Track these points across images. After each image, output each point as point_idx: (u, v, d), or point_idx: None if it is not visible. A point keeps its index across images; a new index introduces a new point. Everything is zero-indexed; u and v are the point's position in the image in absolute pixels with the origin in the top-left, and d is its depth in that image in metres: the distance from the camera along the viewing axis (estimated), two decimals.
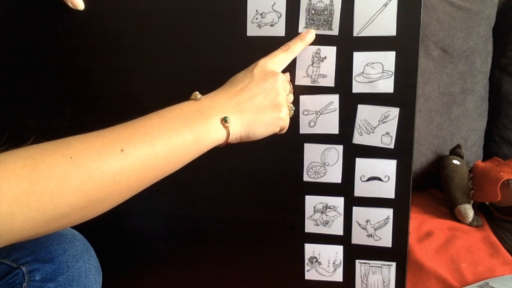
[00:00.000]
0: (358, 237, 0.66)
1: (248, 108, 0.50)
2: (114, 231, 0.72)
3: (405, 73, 0.59)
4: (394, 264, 0.66)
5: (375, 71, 0.59)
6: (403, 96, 0.60)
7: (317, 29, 0.59)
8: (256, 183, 0.67)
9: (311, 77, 0.61)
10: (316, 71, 0.60)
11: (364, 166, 0.63)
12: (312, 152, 0.64)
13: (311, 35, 0.58)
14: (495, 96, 1.12)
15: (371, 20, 0.58)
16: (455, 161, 1.00)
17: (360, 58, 0.59)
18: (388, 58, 0.59)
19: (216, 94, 0.50)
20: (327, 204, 0.65)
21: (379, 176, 0.63)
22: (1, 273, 0.51)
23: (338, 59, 0.60)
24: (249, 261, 0.70)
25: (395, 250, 0.65)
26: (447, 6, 1.02)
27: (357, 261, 0.67)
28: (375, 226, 0.65)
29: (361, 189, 0.64)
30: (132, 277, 0.74)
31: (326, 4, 0.58)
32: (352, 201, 0.65)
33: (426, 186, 1.12)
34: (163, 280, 0.74)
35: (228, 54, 0.62)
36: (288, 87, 0.57)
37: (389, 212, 0.64)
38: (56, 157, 0.36)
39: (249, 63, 0.54)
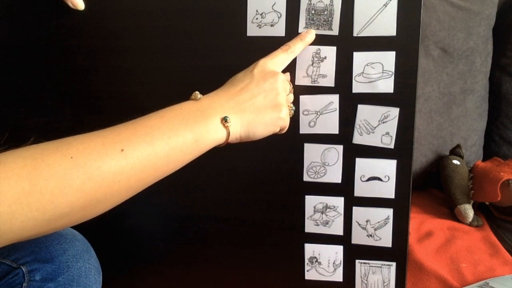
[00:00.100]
0: (358, 237, 0.66)
1: (248, 108, 0.50)
2: (114, 231, 0.72)
3: (405, 73, 0.59)
4: (394, 264, 0.66)
5: (375, 71, 0.59)
6: (403, 96, 0.60)
7: (317, 29, 0.59)
8: (256, 183, 0.67)
9: (311, 77, 0.61)
10: (316, 71, 0.60)
11: (364, 166, 0.63)
12: (312, 152, 0.64)
13: (311, 35, 0.58)
14: (495, 96, 1.12)
15: (371, 20, 0.58)
16: (455, 161, 1.00)
17: (360, 58, 0.59)
18: (388, 58, 0.59)
19: (216, 94, 0.50)
20: (327, 204, 0.65)
21: (379, 176, 0.63)
22: (1, 273, 0.51)
23: (338, 59, 0.60)
24: (249, 261, 0.70)
25: (395, 250, 0.65)
26: (447, 6, 1.02)
27: (357, 261, 0.67)
28: (375, 226, 0.65)
29: (361, 189, 0.64)
30: (132, 277, 0.74)
31: (326, 4, 0.58)
32: (352, 201, 0.65)
33: (426, 186, 1.11)
34: (163, 280, 0.74)
35: (228, 54, 0.62)
36: (288, 87, 0.57)
37: (389, 212, 0.64)
38: (56, 157, 0.36)
39: (249, 63, 0.54)
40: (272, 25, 0.60)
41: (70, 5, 0.61)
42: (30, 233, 0.35)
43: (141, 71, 0.64)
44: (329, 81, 0.60)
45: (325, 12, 0.58)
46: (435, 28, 1.03)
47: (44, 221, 0.35)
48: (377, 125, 0.61)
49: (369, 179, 0.63)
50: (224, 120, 0.47)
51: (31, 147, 0.37)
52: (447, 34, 1.03)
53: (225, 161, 0.66)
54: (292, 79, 0.61)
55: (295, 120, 0.62)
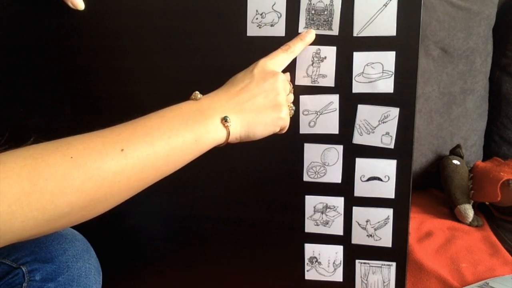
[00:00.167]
0: (358, 237, 0.66)
1: (248, 108, 0.50)
2: (114, 231, 0.72)
3: (405, 73, 0.59)
4: (394, 264, 0.66)
5: (375, 71, 0.59)
6: (403, 96, 0.60)
7: (317, 29, 0.59)
8: (256, 183, 0.67)
9: (311, 77, 0.61)
10: (316, 71, 0.60)
11: (364, 166, 0.63)
12: (312, 152, 0.64)
13: (311, 35, 0.58)
14: (495, 96, 1.12)
15: (371, 20, 0.58)
16: (455, 161, 1.00)
17: (360, 58, 0.59)
18: (388, 58, 0.59)
19: (216, 94, 0.50)
20: (327, 204, 0.65)
21: (379, 176, 0.63)
22: (1, 273, 0.51)
23: (338, 59, 0.60)
24: (249, 261, 0.70)
25: (395, 250, 0.65)
26: (447, 6, 1.02)
27: (357, 261, 0.67)
28: (375, 226, 0.65)
29: (361, 189, 0.64)
30: (132, 277, 0.74)
31: (326, 4, 0.58)
32: (352, 201, 0.65)
33: (426, 186, 1.11)
34: (163, 280, 0.74)
35: (228, 54, 0.62)
36: (288, 87, 0.57)
37: (389, 212, 0.64)
38: (56, 157, 0.36)
39: (249, 63, 0.54)
40: (272, 25, 0.60)
41: (70, 5, 0.61)
42: (30, 233, 0.35)
43: (141, 71, 0.64)
44: (329, 81, 0.60)
45: (325, 12, 0.58)
46: (435, 28, 1.03)
47: (44, 221, 0.35)
48: (377, 125, 0.61)
49: (369, 179, 0.63)
50: (224, 120, 0.47)
51: (31, 147, 0.37)
52: (447, 34, 1.03)
53: (225, 161, 0.66)
54: (292, 79, 0.61)
55: (295, 120, 0.62)
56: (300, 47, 0.58)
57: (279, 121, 0.52)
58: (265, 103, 0.51)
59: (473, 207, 0.94)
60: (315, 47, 0.59)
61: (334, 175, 0.64)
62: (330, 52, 0.60)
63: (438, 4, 1.02)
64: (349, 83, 0.60)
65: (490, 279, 0.74)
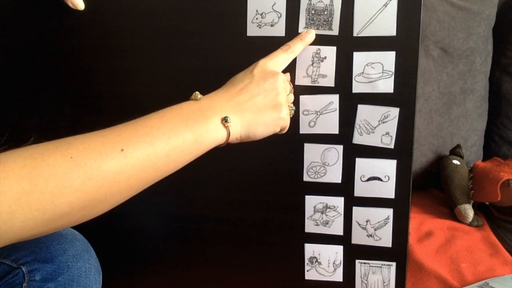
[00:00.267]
0: (358, 237, 0.66)
1: (249, 108, 0.50)
2: (114, 231, 0.72)
3: (405, 73, 0.59)
4: (394, 264, 0.66)
5: (375, 71, 0.59)
6: (403, 96, 0.60)
7: (317, 29, 0.59)
8: (256, 183, 0.67)
9: (311, 77, 0.61)
10: (316, 71, 0.60)
11: (364, 166, 0.63)
12: (312, 152, 0.64)
13: (311, 35, 0.58)
14: (495, 96, 1.12)
15: (371, 20, 0.58)
16: (455, 161, 1.00)
17: (360, 58, 0.59)
18: (388, 58, 0.59)
19: (216, 94, 0.50)
20: (327, 204, 0.65)
21: (379, 176, 0.63)
22: (1, 273, 0.51)
23: (338, 59, 0.60)
24: (249, 261, 0.70)
25: (395, 250, 0.65)
26: (447, 6, 1.02)
27: (357, 261, 0.67)
28: (375, 226, 0.65)
29: (361, 189, 0.64)
30: (132, 277, 0.74)
31: (326, 4, 0.58)
32: (352, 201, 0.65)
33: (426, 186, 1.11)
34: (163, 280, 0.74)
35: (228, 54, 0.62)
36: (289, 87, 0.57)
37: (389, 212, 0.64)
38: (57, 157, 0.36)
39: (249, 63, 0.54)
40: (272, 25, 0.60)
41: (70, 5, 0.61)
42: (30, 233, 0.35)
43: (141, 71, 0.64)
44: (329, 81, 0.60)
45: (325, 12, 0.58)
46: (435, 28, 1.03)
47: (44, 221, 0.35)
48: (377, 125, 0.61)
49: (369, 179, 0.63)
50: (224, 120, 0.47)
51: (31, 147, 0.37)
52: (447, 34, 1.03)
53: (225, 161, 0.66)
54: (292, 79, 0.61)
55: (295, 120, 0.62)
56: (300, 47, 0.58)
57: (279, 121, 0.52)
58: (265, 103, 0.51)
59: (473, 207, 0.94)
60: (315, 47, 0.59)
61: (334, 175, 0.64)
62: (330, 52, 0.60)
63: (438, 4, 1.02)
64: (349, 83, 0.60)
65: (490, 279, 0.74)
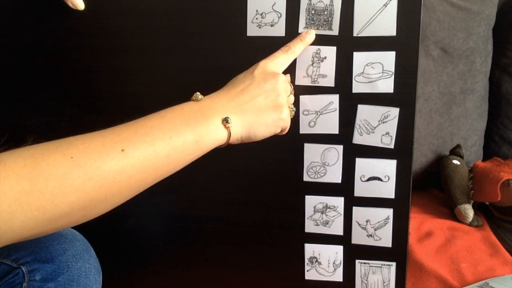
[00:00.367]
0: (358, 237, 0.66)
1: (249, 108, 0.50)
2: (114, 231, 0.72)
3: (405, 73, 0.59)
4: (394, 264, 0.66)
5: (375, 71, 0.59)
6: (403, 96, 0.60)
7: (317, 29, 0.59)
8: (256, 183, 0.67)
9: (311, 77, 0.61)
10: (316, 71, 0.60)
11: (364, 166, 0.63)
12: (312, 152, 0.64)
13: (311, 35, 0.58)
14: (495, 96, 1.12)
15: (371, 20, 0.58)
16: (455, 161, 1.00)
17: (360, 58, 0.59)
18: (388, 58, 0.59)
19: (217, 95, 0.50)
20: (327, 204, 0.65)
21: (379, 176, 0.63)
22: (1, 273, 0.51)
23: (338, 59, 0.60)
24: (249, 261, 0.70)
25: (395, 250, 0.65)
26: (447, 6, 1.03)
27: (357, 261, 0.67)
28: (375, 226, 0.65)
29: (361, 189, 0.64)
30: (132, 277, 0.74)
31: (326, 4, 0.58)
32: (352, 201, 0.65)
33: (426, 186, 1.12)
34: (163, 280, 0.74)
35: (228, 54, 0.62)
36: (289, 88, 0.57)
37: (389, 212, 0.64)
38: (57, 157, 0.36)
39: (249, 63, 0.54)
40: (272, 25, 0.60)
41: (70, 5, 0.61)
42: (30, 233, 0.35)
43: (141, 71, 0.64)
44: (329, 81, 0.60)
45: (325, 12, 0.58)
46: (435, 28, 1.03)
47: (44, 221, 0.35)
48: (377, 125, 0.61)
49: (369, 179, 0.63)
50: (225, 120, 0.47)
51: (31, 147, 0.37)
52: (447, 34, 1.03)
53: (225, 161, 0.66)
54: (292, 79, 0.61)
55: (295, 120, 0.61)
56: (300, 48, 0.58)
57: (280, 122, 0.52)
58: (266, 104, 0.51)
59: (473, 207, 0.94)
60: (315, 47, 0.59)
61: (334, 175, 0.64)
62: (330, 52, 0.60)
63: (438, 4, 1.02)
64: (349, 83, 0.60)
65: (490, 279, 0.74)
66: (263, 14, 0.60)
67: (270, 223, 0.68)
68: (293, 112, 0.58)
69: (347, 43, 0.59)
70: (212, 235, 0.70)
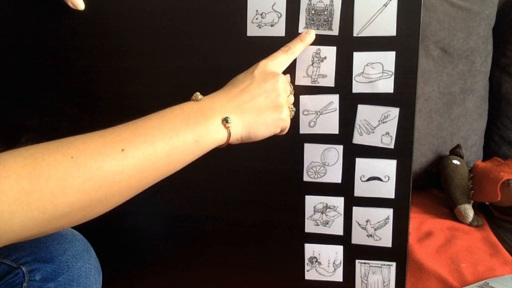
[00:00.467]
0: (358, 237, 0.66)
1: (249, 108, 0.50)
2: (114, 231, 0.72)
3: (405, 73, 0.59)
4: (394, 264, 0.66)
5: (375, 71, 0.59)
6: (403, 96, 0.60)
7: (317, 29, 0.59)
8: (256, 183, 0.67)
9: (311, 77, 0.61)
10: (316, 71, 0.60)
11: (364, 166, 0.63)
12: (312, 152, 0.64)
13: (311, 35, 0.58)
14: (495, 96, 1.12)
15: (371, 20, 0.58)
16: (455, 161, 1.00)
17: (360, 58, 0.59)
18: (388, 58, 0.59)
19: (217, 95, 0.50)
20: (327, 204, 0.65)
21: (379, 176, 0.63)
22: (1, 273, 0.51)
23: (338, 59, 0.60)
24: (249, 261, 0.70)
25: (395, 250, 0.65)
26: (447, 6, 1.03)
27: (357, 261, 0.67)
28: (375, 226, 0.65)
29: (361, 189, 0.64)
30: (132, 277, 0.74)
31: (326, 4, 0.58)
32: (352, 201, 0.65)
33: (426, 186, 1.12)
34: (163, 280, 0.74)
35: (228, 54, 0.62)
36: (289, 88, 0.57)
37: (389, 212, 0.64)
38: (57, 157, 0.36)
39: (249, 63, 0.54)
40: (272, 25, 0.60)
41: (70, 5, 0.61)
42: (30, 233, 0.35)
43: (141, 71, 0.64)
44: (329, 81, 0.60)
45: (325, 12, 0.58)
46: (435, 28, 1.03)
47: (44, 221, 0.35)
48: (377, 125, 0.61)
49: (369, 179, 0.63)
50: (225, 120, 0.47)
51: (31, 147, 0.37)
52: (447, 34, 1.03)
53: (225, 161, 0.66)
54: (292, 79, 0.61)
55: (295, 120, 0.61)
56: (300, 48, 0.58)
57: (279, 122, 0.52)
58: (266, 104, 0.51)
59: (473, 207, 0.94)
60: (315, 47, 0.59)
61: (334, 175, 0.64)
62: (330, 52, 0.60)
63: (438, 4, 1.02)
64: (349, 83, 0.60)
65: (490, 279, 0.74)
66: (263, 14, 0.60)
67: (270, 223, 0.68)
68: (293, 112, 0.58)
69: (347, 43, 0.59)
70: (212, 235, 0.70)
